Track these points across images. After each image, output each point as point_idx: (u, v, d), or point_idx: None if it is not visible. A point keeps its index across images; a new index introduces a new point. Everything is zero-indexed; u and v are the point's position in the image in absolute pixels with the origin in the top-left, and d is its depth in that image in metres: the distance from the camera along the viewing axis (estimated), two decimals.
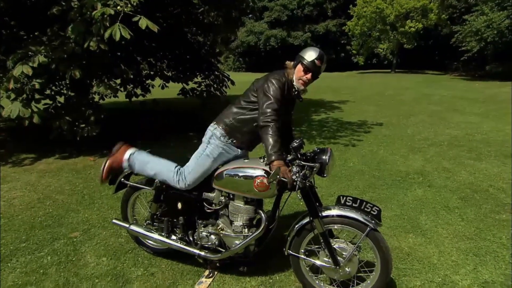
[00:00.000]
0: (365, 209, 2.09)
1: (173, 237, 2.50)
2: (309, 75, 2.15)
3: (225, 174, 2.20)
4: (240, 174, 2.15)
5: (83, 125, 5.20)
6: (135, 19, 3.70)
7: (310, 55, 2.11)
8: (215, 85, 8.58)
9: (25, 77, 4.63)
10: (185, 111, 9.90)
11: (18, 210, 3.57)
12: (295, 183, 2.00)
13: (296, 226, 2.21)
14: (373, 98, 12.62)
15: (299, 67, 2.15)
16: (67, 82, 6.21)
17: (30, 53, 4.59)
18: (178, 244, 2.43)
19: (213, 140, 2.24)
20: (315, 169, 2.09)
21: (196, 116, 8.81)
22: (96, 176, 4.55)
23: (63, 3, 4.36)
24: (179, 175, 2.26)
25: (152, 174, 2.34)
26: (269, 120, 2.01)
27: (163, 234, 2.50)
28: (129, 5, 3.59)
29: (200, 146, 2.28)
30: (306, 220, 2.16)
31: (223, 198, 2.32)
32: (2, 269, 2.60)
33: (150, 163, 2.36)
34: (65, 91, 6.45)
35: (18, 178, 4.51)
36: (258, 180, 2.08)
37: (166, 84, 8.34)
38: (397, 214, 3.40)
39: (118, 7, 3.59)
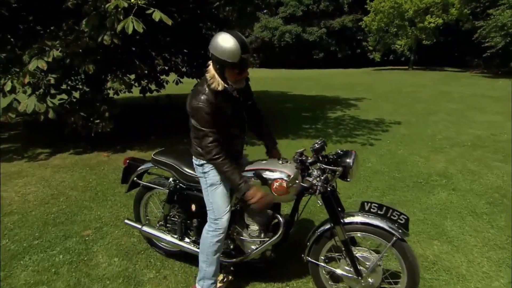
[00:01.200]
0: (392, 217, 1.95)
1: (187, 239, 2.41)
2: (245, 73, 1.86)
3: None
4: (257, 176, 2.03)
5: (98, 121, 5.18)
6: (149, 11, 3.62)
7: (234, 53, 1.71)
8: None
9: (41, 72, 4.62)
10: None
11: (32, 206, 3.56)
12: (315, 187, 1.88)
13: (316, 232, 2.08)
14: (390, 96, 12.29)
15: (229, 72, 1.80)
16: (82, 77, 6.21)
17: (46, 47, 4.58)
18: (191, 248, 2.34)
19: (206, 169, 2.04)
20: (337, 172, 1.95)
21: None
22: (109, 172, 4.52)
23: None
24: (210, 226, 2.04)
25: (215, 256, 2.08)
26: (211, 156, 1.86)
27: (176, 236, 2.41)
28: None
29: (201, 182, 2.09)
30: (327, 226, 2.04)
31: (239, 201, 2.21)
32: (15, 266, 2.57)
33: (208, 264, 2.09)
34: (80, 86, 6.46)
35: (33, 173, 4.52)
36: (277, 183, 1.95)
37: (181, 79, 8.28)
38: (420, 219, 3.23)
39: (132, 0, 3.51)
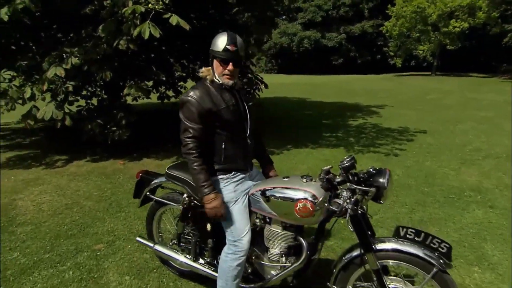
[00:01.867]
0: (431, 244, 1.71)
1: (201, 260, 2.24)
2: (229, 66, 1.81)
3: (261, 194, 1.89)
4: (278, 195, 1.84)
5: (114, 128, 5.13)
6: (166, 16, 3.52)
7: (220, 44, 1.78)
8: (247, 88, 8.34)
9: (60, 79, 4.61)
10: None
11: (46, 216, 3.49)
12: (344, 210, 1.68)
13: (344, 259, 1.86)
14: (413, 102, 11.86)
15: (215, 63, 1.84)
16: (101, 83, 6.22)
17: (64, 54, 4.57)
18: (206, 269, 2.17)
19: (219, 185, 1.90)
20: (370, 194, 1.73)
21: None
22: (124, 181, 4.43)
23: (96, 2, 4.27)
24: (229, 248, 1.90)
25: (235, 282, 1.94)
26: (186, 149, 1.81)
27: (190, 256, 2.24)
28: (160, 2, 3.41)
29: None
30: (356, 252, 1.81)
31: (258, 221, 2.02)
32: (23, 282, 2.47)
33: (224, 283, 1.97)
34: (99, 93, 6.47)
35: (49, 181, 4.48)
36: (300, 204, 1.76)
37: None
38: (455, 240, 2.94)
39: (150, 5, 3.42)
